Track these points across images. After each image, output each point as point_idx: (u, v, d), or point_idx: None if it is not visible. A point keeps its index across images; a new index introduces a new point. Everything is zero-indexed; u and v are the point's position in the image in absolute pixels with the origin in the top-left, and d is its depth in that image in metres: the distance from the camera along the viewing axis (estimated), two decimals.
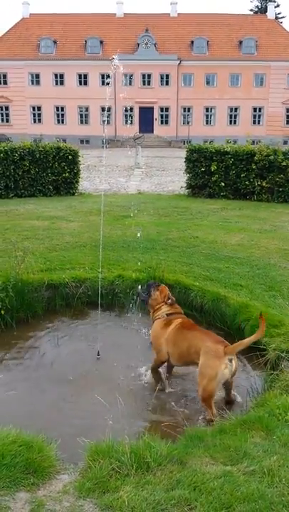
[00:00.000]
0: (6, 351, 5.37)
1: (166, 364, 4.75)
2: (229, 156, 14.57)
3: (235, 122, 52.59)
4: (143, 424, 4.05)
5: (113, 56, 7.11)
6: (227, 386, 4.24)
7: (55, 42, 51.38)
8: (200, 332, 4.38)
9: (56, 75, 51.56)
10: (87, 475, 2.87)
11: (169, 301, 4.79)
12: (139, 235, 8.85)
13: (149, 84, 51.95)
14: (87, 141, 49.74)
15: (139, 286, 5.18)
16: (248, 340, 4.05)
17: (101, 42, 51.38)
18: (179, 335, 4.47)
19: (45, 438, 3.21)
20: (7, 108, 52.27)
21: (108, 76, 50.06)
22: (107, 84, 49.45)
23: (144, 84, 51.80)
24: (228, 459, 3.02)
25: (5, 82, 51.56)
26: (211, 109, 52.57)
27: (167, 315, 4.69)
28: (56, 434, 3.41)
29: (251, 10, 68.31)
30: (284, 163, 13.99)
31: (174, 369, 4.86)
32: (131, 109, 51.77)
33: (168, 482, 2.79)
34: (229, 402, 4.29)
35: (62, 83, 51.83)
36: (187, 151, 15.43)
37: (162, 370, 4.76)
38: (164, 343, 4.55)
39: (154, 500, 2.64)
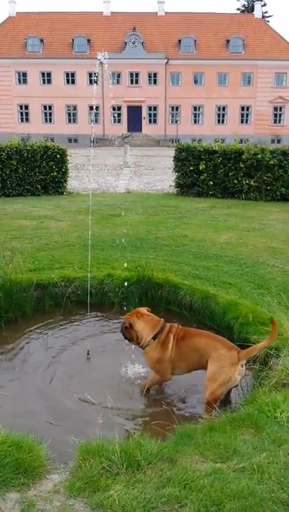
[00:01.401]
0: None
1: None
2: (217, 154, 14.63)
3: (223, 121, 52.86)
4: (133, 422, 4.05)
5: (99, 53, 7.07)
6: (231, 388, 4.22)
7: (42, 40, 51.18)
8: (207, 338, 4.19)
9: (43, 74, 51.38)
10: (78, 474, 2.87)
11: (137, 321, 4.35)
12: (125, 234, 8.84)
13: (137, 83, 52.00)
14: (76, 140, 49.65)
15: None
16: (260, 346, 4.01)
17: (88, 40, 51.30)
18: (182, 348, 4.23)
19: (35, 438, 3.20)
20: None
21: (96, 75, 49.97)
22: (96, 82, 49.36)
23: (132, 83, 51.85)
24: (218, 456, 3.03)
25: None
26: (199, 108, 52.76)
27: (154, 337, 4.32)
28: (46, 433, 3.40)
29: (238, 9, 68.67)
30: (272, 162, 14.08)
31: None
32: (119, 108, 51.75)
33: (158, 480, 2.80)
34: (227, 402, 4.30)
35: (49, 82, 51.68)
36: (176, 150, 15.46)
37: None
38: (168, 363, 4.28)
39: (145, 498, 2.65)
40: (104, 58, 6.86)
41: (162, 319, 4.48)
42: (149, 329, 4.32)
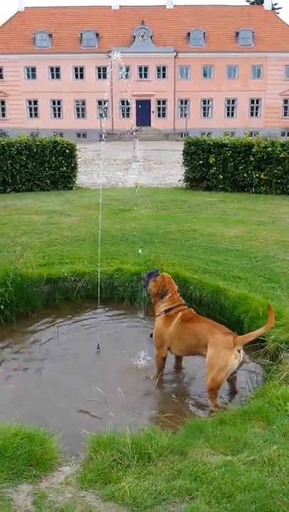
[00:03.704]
0: (5, 345, 5.39)
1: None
2: (227, 148, 14.55)
3: (232, 114, 52.45)
4: (144, 415, 4.07)
5: (110, 50, 7.07)
6: (232, 377, 4.26)
7: (50, 35, 51.06)
8: (207, 324, 4.32)
9: (52, 69, 51.28)
10: (89, 466, 2.89)
11: (167, 296, 4.67)
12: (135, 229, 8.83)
13: (145, 76, 51.72)
14: (84, 135, 49.62)
15: (143, 273, 5.15)
16: (257, 332, 4.04)
17: (97, 35, 51.08)
18: (184, 330, 4.42)
19: (47, 430, 3.23)
20: (3, 102, 51.99)
21: (104, 69, 49.82)
22: (104, 77, 49.24)
23: (140, 76, 51.56)
24: (229, 449, 3.05)
25: (0, 76, 51.20)
26: (208, 101, 52.38)
27: (166, 311, 4.61)
28: (57, 426, 3.43)
29: (248, 1, 67.93)
30: (282, 155, 13.97)
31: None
32: (128, 102, 51.57)
33: (169, 472, 2.82)
34: (234, 392, 4.32)
35: (58, 77, 51.56)
36: (185, 144, 15.40)
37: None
38: (167, 339, 4.51)
39: (156, 490, 2.67)
40: (116, 54, 6.84)
41: (183, 301, 4.76)
42: (167, 303, 4.65)
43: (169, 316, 4.57)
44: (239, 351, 4.01)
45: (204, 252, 7.71)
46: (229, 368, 3.99)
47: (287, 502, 2.58)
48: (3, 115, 52.14)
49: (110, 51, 48.80)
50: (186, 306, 4.74)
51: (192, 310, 4.70)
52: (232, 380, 4.29)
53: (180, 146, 17.35)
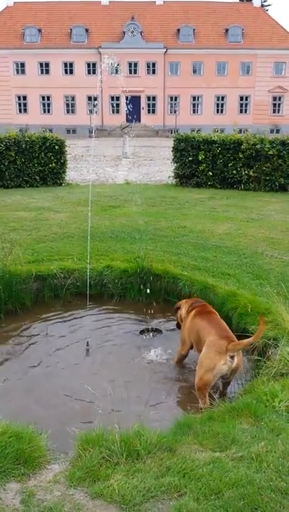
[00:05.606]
0: None
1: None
2: (216, 145, 14.57)
3: (222, 111, 52.59)
4: (133, 412, 4.07)
5: (100, 45, 7.02)
6: (226, 381, 4.25)
7: (39, 30, 50.72)
8: (207, 323, 4.32)
9: (41, 64, 50.98)
10: (78, 464, 2.89)
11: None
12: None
13: (135, 72, 51.61)
14: (74, 131, 49.43)
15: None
16: (247, 342, 3.99)
17: (86, 30, 50.86)
18: (192, 324, 4.55)
19: (35, 428, 3.22)
20: None
21: (94, 65, 49.57)
22: (94, 72, 48.94)
23: (130, 72, 51.42)
24: (217, 445, 3.05)
25: None
26: (197, 97, 52.46)
27: (187, 311, 4.80)
28: (46, 424, 3.42)
29: None
30: (270, 152, 14.03)
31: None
32: (117, 98, 51.44)
33: (158, 469, 2.82)
34: (222, 394, 4.33)
35: (47, 72, 51.28)
36: (174, 141, 15.39)
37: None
38: (186, 336, 4.66)
39: (144, 487, 2.67)
40: (104, 48, 6.80)
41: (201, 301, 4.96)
42: (185, 304, 4.93)
43: (188, 313, 4.74)
44: (233, 357, 3.95)
45: (193, 249, 7.71)
46: (216, 372, 3.96)
47: (275, 498, 2.60)
48: None
49: (100, 47, 48.77)
50: (202, 303, 4.82)
51: (204, 305, 4.74)
52: (225, 384, 4.30)
53: (170, 143, 17.34)
